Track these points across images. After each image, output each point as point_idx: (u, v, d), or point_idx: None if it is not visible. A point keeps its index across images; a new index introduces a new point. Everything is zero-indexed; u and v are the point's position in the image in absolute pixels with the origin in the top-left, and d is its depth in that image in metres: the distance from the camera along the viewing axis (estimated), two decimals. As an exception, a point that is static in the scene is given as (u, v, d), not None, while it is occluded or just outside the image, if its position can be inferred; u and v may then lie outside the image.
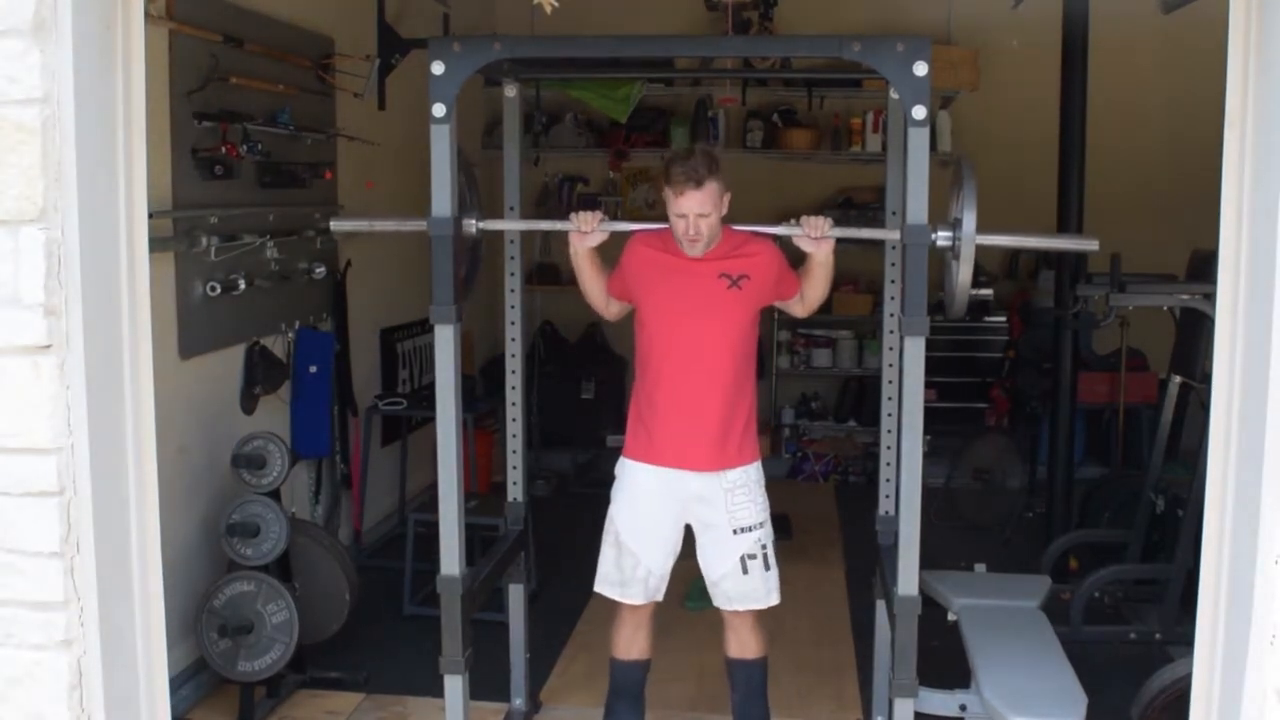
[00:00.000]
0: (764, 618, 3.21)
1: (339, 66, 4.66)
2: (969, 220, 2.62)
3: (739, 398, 3.14)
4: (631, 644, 3.25)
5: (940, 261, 2.75)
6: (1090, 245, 2.96)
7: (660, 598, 3.22)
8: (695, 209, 3.00)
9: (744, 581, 3.13)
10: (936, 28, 6.40)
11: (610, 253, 3.27)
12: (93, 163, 2.12)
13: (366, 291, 5.09)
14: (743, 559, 3.13)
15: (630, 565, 3.16)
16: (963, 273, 2.65)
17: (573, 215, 3.08)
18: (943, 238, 2.67)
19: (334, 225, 3.21)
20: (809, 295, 3.18)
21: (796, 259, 3.16)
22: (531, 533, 4.07)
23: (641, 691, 3.29)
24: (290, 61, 4.30)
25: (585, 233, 3.07)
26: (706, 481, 3.11)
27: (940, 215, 2.68)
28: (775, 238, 3.14)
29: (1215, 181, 2.11)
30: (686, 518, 3.17)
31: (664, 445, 3.13)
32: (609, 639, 3.31)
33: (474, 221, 2.94)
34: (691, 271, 3.12)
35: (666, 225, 3.10)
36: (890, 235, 3.15)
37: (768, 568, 3.15)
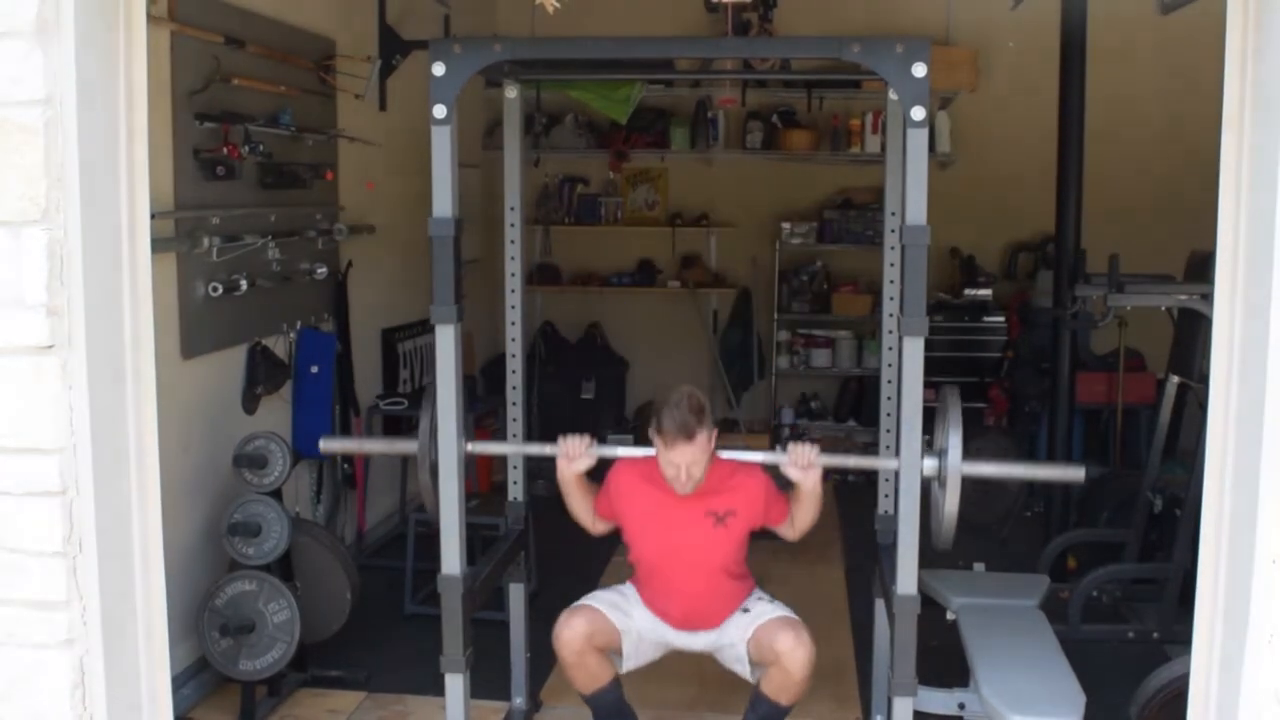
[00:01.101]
0: (812, 677, 3.14)
1: (340, 68, 4.67)
2: (954, 450, 2.64)
3: (732, 593, 3.22)
4: (585, 678, 3.20)
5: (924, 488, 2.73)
6: (1076, 475, 2.90)
7: (618, 662, 3.24)
8: (687, 460, 3.02)
9: (752, 617, 3.18)
10: (935, 29, 6.41)
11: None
12: (95, 163, 2.13)
13: (368, 292, 5.09)
14: (743, 609, 3.21)
15: (625, 606, 3.23)
16: (949, 503, 2.66)
17: (559, 440, 3.08)
18: (929, 467, 2.68)
19: (323, 445, 3.21)
20: (799, 520, 3.18)
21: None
22: (532, 532, 4.08)
23: (623, 703, 3.30)
24: (291, 63, 4.30)
25: (572, 458, 3.08)
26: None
27: (926, 444, 2.70)
28: (765, 465, 3.16)
29: (1213, 182, 2.12)
30: (686, 644, 3.29)
31: (666, 619, 3.24)
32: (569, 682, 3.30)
33: (465, 443, 2.92)
34: (678, 508, 3.15)
35: (653, 454, 3.10)
36: (883, 464, 3.15)
37: (771, 601, 3.22)
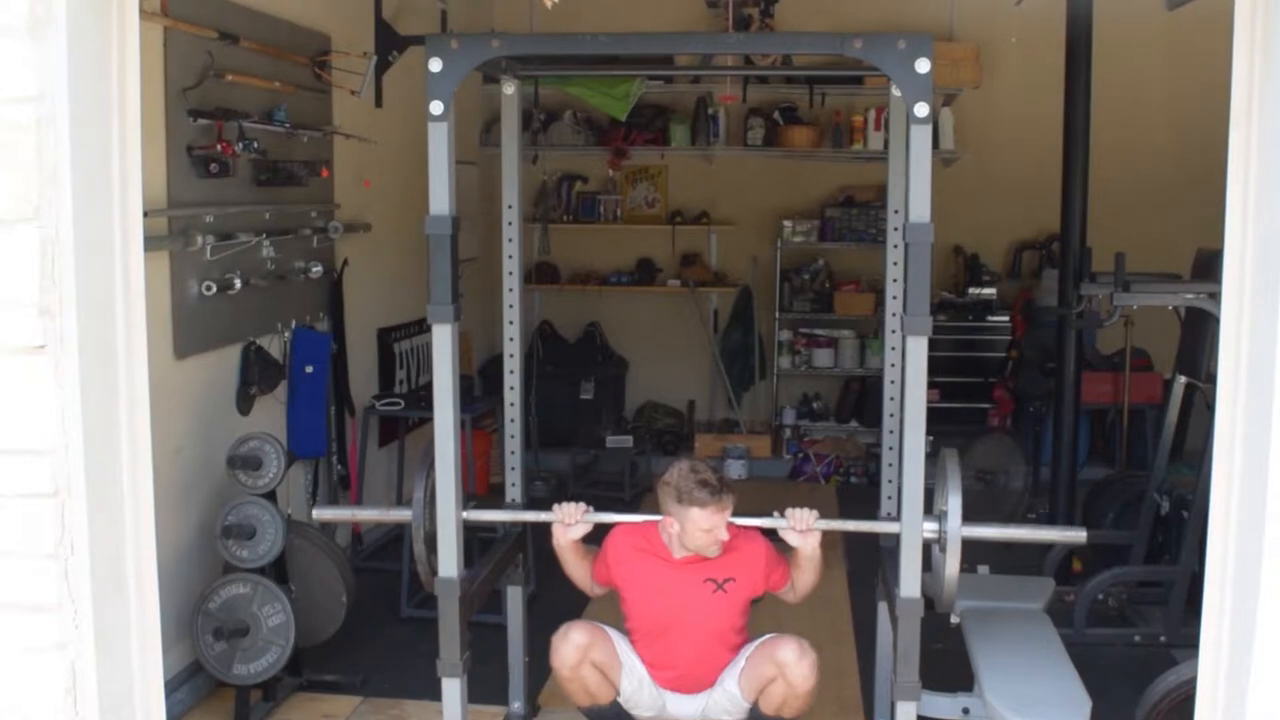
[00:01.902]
0: (816, 691, 3.12)
1: (336, 64, 4.64)
2: (954, 514, 2.63)
3: (730, 654, 3.19)
4: (583, 692, 3.18)
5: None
6: (1079, 538, 2.87)
7: (615, 687, 3.20)
8: (722, 523, 3.01)
9: (741, 655, 3.17)
10: (939, 24, 6.38)
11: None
12: (87, 161, 2.10)
13: (363, 291, 5.07)
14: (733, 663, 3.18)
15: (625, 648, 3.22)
16: (950, 565, 2.65)
17: (555, 507, 3.08)
18: (929, 530, 2.67)
19: (316, 514, 3.17)
20: (799, 584, 3.17)
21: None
22: (530, 535, 4.05)
23: (623, 713, 3.27)
24: (286, 59, 4.27)
25: (568, 524, 3.07)
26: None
27: (927, 507, 2.69)
28: (764, 530, 3.13)
29: (1220, 180, 2.09)
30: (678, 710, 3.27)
31: (658, 680, 3.23)
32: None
33: (462, 513, 2.90)
34: (677, 575, 3.14)
35: (650, 520, 3.12)
36: (884, 528, 3.07)
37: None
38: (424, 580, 2.93)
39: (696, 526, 3.02)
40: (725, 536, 3.04)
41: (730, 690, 3.17)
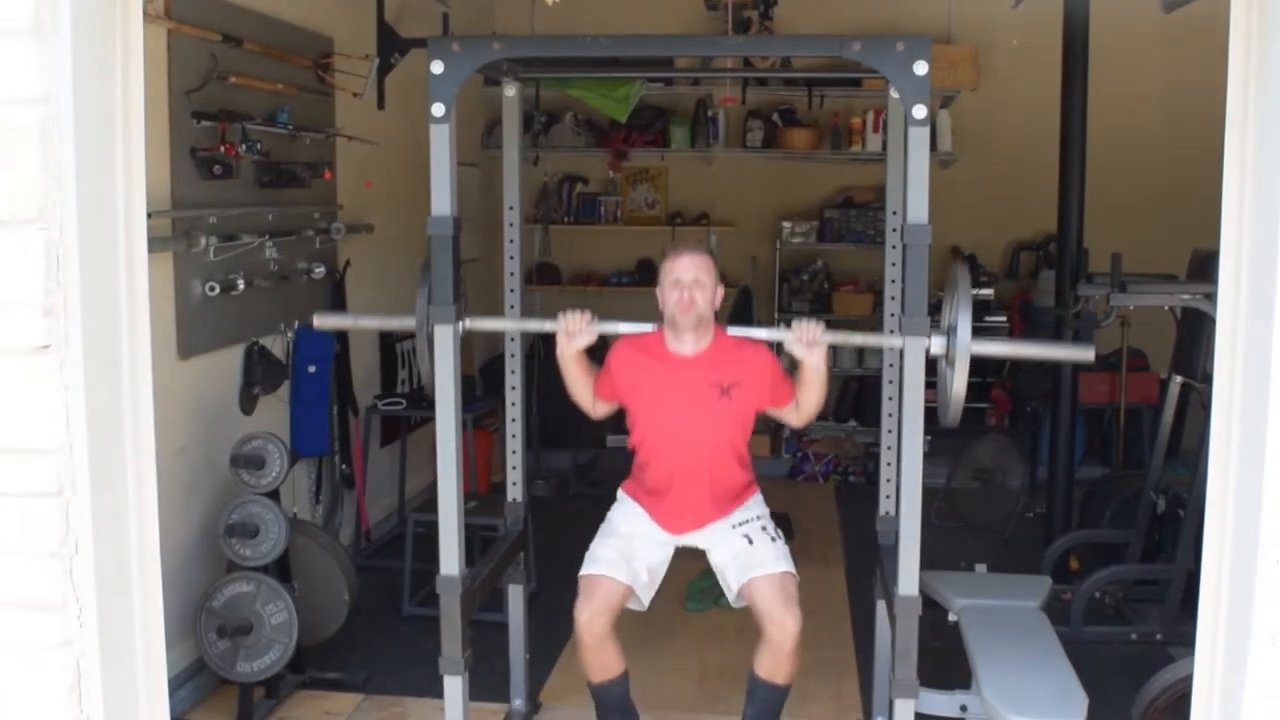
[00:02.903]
0: (801, 646, 3.09)
1: (338, 66, 4.66)
2: (963, 329, 2.59)
3: (734, 481, 3.18)
4: (598, 665, 3.16)
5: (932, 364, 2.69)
6: (1087, 355, 2.85)
7: (638, 597, 3.16)
8: (691, 273, 3.02)
9: (752, 552, 3.12)
10: (937, 27, 6.40)
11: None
12: (91, 163, 2.11)
13: (366, 291, 5.08)
14: (745, 536, 3.15)
15: (620, 545, 3.16)
16: (957, 382, 2.63)
17: (560, 316, 3.01)
18: (936, 345, 2.63)
19: (318, 321, 3.12)
20: (804, 404, 3.13)
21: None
22: (531, 533, 4.07)
23: (628, 701, 3.27)
24: (289, 61, 4.29)
25: (572, 334, 3.01)
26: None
27: (934, 322, 2.65)
28: (771, 345, 3.12)
29: (1216, 181, 2.10)
30: (687, 543, 3.22)
31: (663, 520, 3.19)
32: (580, 664, 3.24)
33: (463, 323, 2.87)
34: (681, 377, 3.10)
35: (654, 327, 3.09)
36: (887, 342, 3.06)
37: (773, 539, 3.16)
38: (425, 381, 2.91)
39: (667, 279, 3.03)
40: (701, 306, 3.02)
41: (727, 581, 3.16)
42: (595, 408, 3.25)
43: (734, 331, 3.10)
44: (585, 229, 7.16)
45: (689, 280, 3.02)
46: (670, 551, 3.21)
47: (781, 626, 3.01)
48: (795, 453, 6.96)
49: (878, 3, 6.51)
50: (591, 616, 3.05)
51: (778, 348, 3.07)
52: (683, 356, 3.10)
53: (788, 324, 2.93)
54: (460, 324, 2.84)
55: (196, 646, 3.59)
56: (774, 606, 3.03)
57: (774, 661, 3.08)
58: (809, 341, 2.89)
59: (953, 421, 2.71)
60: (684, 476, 3.14)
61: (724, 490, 3.18)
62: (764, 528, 3.19)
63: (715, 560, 3.21)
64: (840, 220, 6.90)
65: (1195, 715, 2.20)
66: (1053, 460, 5.04)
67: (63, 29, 2.04)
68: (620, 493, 3.30)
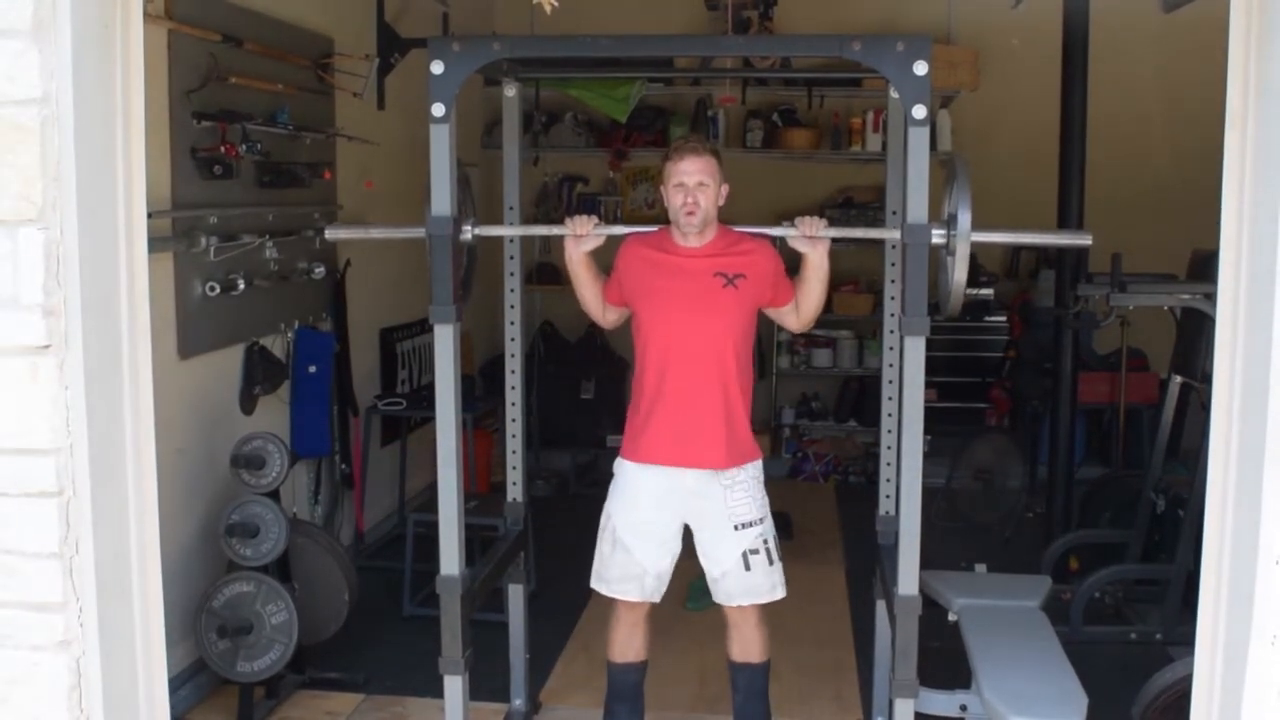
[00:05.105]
0: (767, 617, 3.19)
1: (338, 66, 4.66)
2: (963, 217, 2.59)
3: (737, 396, 3.12)
4: (627, 647, 3.24)
5: (936, 260, 2.73)
6: (1084, 240, 2.95)
7: (657, 599, 3.19)
8: (694, 176, 3.03)
9: (747, 578, 3.12)
10: (937, 27, 6.39)
11: (606, 257, 3.26)
12: (91, 163, 2.12)
13: (366, 291, 5.08)
14: (744, 555, 3.11)
15: (626, 562, 3.14)
16: (958, 271, 2.63)
17: (568, 220, 3.06)
18: (937, 235, 2.63)
19: (329, 233, 3.17)
20: (804, 304, 3.14)
21: (792, 263, 3.15)
22: (531, 533, 4.06)
23: (640, 693, 3.28)
24: (289, 61, 4.29)
25: (580, 236, 3.05)
26: (705, 479, 3.10)
27: (935, 214, 2.66)
28: (774, 242, 3.13)
29: (1216, 181, 2.11)
30: (686, 517, 3.15)
31: (663, 443, 3.11)
32: (606, 640, 3.30)
33: (470, 228, 2.91)
34: (687, 269, 3.11)
35: (661, 227, 3.11)
36: (889, 234, 3.12)
37: (771, 562, 3.13)
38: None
39: (670, 181, 3.05)
40: (705, 206, 3.05)
41: (707, 566, 3.18)
42: (605, 314, 3.32)
43: (738, 229, 3.14)
44: (585, 229, 7.15)
45: (693, 184, 3.04)
46: (675, 550, 3.18)
47: (740, 610, 3.14)
48: (795, 453, 6.97)
49: (877, 3, 6.50)
50: (625, 624, 3.23)
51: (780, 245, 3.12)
52: (689, 248, 3.13)
53: (791, 221, 2.97)
54: (470, 230, 2.90)
55: (197, 646, 3.59)
56: (745, 629, 3.18)
57: (741, 642, 3.18)
58: (811, 235, 2.93)
59: (954, 311, 2.74)
60: (688, 374, 3.09)
61: (727, 408, 3.09)
62: (765, 543, 3.14)
63: (706, 557, 3.15)
64: (840, 220, 6.88)
65: (1195, 715, 2.20)
66: (1053, 460, 5.05)
67: (63, 29, 2.04)
68: (618, 463, 3.23)
